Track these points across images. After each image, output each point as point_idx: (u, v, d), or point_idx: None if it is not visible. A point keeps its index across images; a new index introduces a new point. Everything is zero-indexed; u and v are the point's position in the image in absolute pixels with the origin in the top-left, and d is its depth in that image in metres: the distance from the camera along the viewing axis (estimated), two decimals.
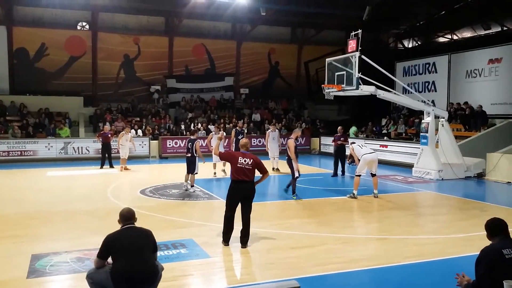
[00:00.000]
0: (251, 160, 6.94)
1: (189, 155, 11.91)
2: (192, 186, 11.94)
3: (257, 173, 7.15)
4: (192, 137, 12.34)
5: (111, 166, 16.76)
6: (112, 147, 17.15)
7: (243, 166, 6.87)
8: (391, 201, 11.04)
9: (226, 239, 7.02)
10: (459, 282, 4.25)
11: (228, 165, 14.68)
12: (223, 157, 7.64)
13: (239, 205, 7.02)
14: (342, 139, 15.53)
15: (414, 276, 5.91)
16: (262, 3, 20.60)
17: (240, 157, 6.93)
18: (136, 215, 4.80)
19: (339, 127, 16.15)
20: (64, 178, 14.97)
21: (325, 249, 6.91)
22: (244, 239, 6.94)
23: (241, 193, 6.92)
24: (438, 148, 15.05)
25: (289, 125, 24.50)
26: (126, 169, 16.28)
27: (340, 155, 15.29)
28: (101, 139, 16.88)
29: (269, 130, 16.61)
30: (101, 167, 16.68)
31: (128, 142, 16.44)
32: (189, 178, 11.95)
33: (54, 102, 21.93)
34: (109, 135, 16.99)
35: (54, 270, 5.91)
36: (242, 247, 6.89)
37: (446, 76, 22.27)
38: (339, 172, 15.28)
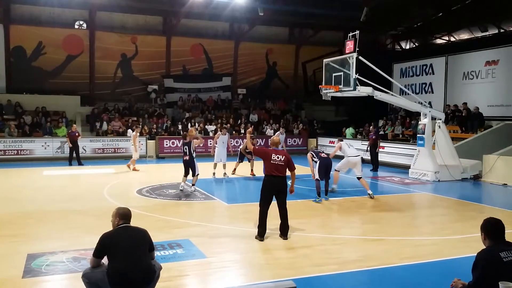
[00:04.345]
0: (284, 156, 7.44)
1: (187, 158, 11.77)
2: (193, 185, 11.90)
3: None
4: (185, 140, 12.09)
5: (80, 164, 17.59)
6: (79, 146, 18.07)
7: (276, 162, 7.37)
8: (387, 202, 11.06)
9: (261, 233, 7.34)
10: (454, 285, 4.25)
11: (228, 168, 14.79)
12: (256, 152, 7.98)
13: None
14: (373, 137, 17.13)
15: (411, 277, 5.91)
16: (260, 3, 20.61)
17: (273, 154, 7.43)
18: (132, 214, 4.79)
19: (371, 127, 18.32)
20: (60, 177, 14.94)
21: (322, 249, 6.91)
22: (284, 231, 7.43)
23: (274, 187, 7.38)
24: (435, 149, 15.09)
25: (287, 126, 24.53)
26: (135, 169, 16.31)
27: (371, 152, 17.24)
28: (68, 138, 17.62)
29: (279, 132, 15.99)
30: (70, 164, 17.51)
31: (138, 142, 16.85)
32: (192, 179, 11.87)
33: (51, 101, 21.87)
34: (76, 134, 17.72)
35: (50, 270, 5.89)
36: (283, 239, 7.33)
37: (443, 78, 22.32)
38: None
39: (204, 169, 14.16)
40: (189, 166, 11.80)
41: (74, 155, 17.75)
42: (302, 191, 11.84)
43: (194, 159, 11.83)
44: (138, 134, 16.90)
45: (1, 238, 7.36)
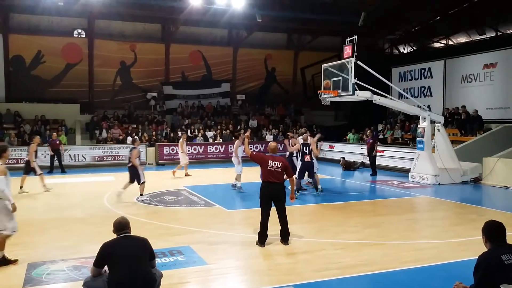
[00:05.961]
0: (280, 163, 7.37)
1: (129, 165, 11.78)
2: (141, 194, 11.81)
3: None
4: (133, 146, 12.07)
5: (63, 171, 17.87)
6: (61, 153, 18.28)
7: (273, 168, 7.31)
8: (388, 206, 11.06)
9: (261, 240, 7.33)
10: None
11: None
12: (254, 158, 7.83)
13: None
14: (371, 141, 17.19)
15: (412, 281, 5.90)
16: (258, 9, 20.70)
17: (270, 160, 7.36)
18: (130, 223, 4.78)
19: (368, 131, 18.53)
20: (60, 185, 14.91)
21: (322, 254, 6.90)
22: (285, 237, 7.40)
23: (271, 193, 7.35)
24: (435, 153, 15.09)
25: (285, 131, 24.53)
26: (187, 175, 16.35)
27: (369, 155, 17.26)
28: (50, 147, 17.89)
29: (300, 137, 13.10)
30: (51, 171, 17.65)
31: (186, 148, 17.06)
32: (139, 188, 11.78)
33: (50, 109, 21.91)
34: (58, 142, 18.04)
35: (50, 279, 5.88)
36: (284, 244, 7.30)
37: (442, 81, 22.35)
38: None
39: (201, 175, 14.15)
40: (132, 173, 11.70)
41: (56, 162, 18.11)
42: (301, 196, 11.82)
43: (136, 168, 11.62)
44: (185, 139, 17.06)
45: None
